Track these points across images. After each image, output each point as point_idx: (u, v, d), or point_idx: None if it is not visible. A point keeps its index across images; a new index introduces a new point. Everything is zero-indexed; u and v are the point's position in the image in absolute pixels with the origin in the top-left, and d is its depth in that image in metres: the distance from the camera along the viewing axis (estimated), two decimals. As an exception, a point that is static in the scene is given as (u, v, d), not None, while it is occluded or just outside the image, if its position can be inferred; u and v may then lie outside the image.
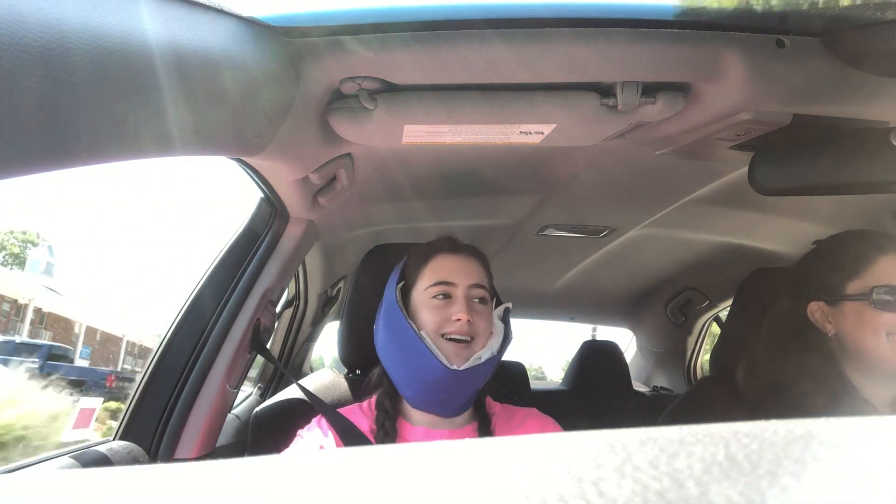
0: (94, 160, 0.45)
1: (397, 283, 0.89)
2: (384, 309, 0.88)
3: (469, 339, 0.83)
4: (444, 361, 0.79)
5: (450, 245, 0.92)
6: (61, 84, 0.37)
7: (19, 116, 0.35)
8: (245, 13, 0.60)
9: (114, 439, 0.91)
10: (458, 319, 0.82)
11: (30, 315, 14.34)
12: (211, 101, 0.55)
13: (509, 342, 0.87)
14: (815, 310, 0.95)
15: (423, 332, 0.83)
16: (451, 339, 0.82)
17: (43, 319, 15.22)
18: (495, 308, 0.92)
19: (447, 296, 0.85)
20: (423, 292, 0.86)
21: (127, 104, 0.45)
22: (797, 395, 0.91)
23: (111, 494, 0.16)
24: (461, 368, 0.80)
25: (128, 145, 0.48)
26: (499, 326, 0.88)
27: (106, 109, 0.42)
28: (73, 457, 0.79)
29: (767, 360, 1.00)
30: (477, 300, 0.86)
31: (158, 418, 0.94)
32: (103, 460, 0.81)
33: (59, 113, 0.38)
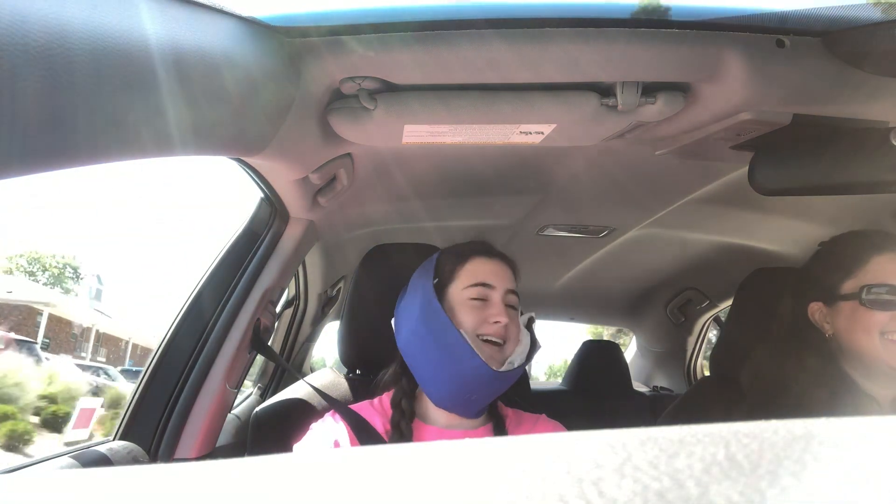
0: (94, 160, 0.45)
1: (433, 280, 0.88)
2: (421, 306, 0.86)
3: (502, 342, 0.84)
4: (487, 363, 0.81)
5: (487, 249, 0.93)
6: (62, 84, 0.37)
7: (20, 116, 0.35)
8: (245, 13, 0.60)
9: (114, 439, 0.91)
10: (497, 322, 0.83)
11: (92, 337, 16.82)
12: (211, 101, 0.55)
13: (537, 350, 0.89)
14: (815, 310, 0.96)
15: (463, 332, 0.83)
16: (486, 341, 0.83)
17: (100, 339, 17.61)
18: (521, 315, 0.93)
19: (484, 298, 0.86)
20: (460, 292, 0.86)
21: (127, 104, 0.45)
22: (799, 394, 0.92)
23: (111, 494, 0.16)
24: (500, 370, 0.81)
25: (128, 145, 0.48)
26: (526, 334, 0.89)
27: (106, 110, 0.42)
28: (73, 457, 0.79)
29: (770, 360, 1.01)
30: (510, 306, 0.87)
31: (158, 418, 0.94)
32: (103, 460, 0.81)
33: (60, 113, 0.38)
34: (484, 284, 0.86)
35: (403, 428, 0.84)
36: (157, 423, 0.94)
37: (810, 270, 1.01)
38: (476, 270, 0.88)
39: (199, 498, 0.15)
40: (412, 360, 0.86)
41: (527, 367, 0.92)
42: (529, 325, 0.91)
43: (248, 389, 1.66)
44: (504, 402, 0.96)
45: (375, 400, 0.91)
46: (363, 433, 0.83)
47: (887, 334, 0.87)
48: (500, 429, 0.88)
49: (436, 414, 0.86)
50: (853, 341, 0.90)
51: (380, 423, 0.86)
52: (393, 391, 0.90)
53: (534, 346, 0.88)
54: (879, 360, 0.88)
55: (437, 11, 0.66)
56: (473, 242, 0.94)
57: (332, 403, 0.90)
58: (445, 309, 0.85)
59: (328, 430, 0.84)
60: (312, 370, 2.00)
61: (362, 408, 0.89)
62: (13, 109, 0.35)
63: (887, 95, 0.74)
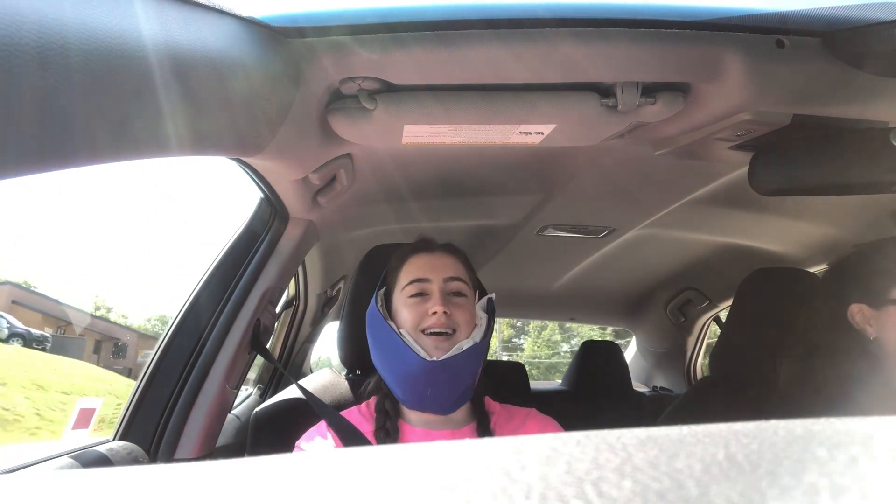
0: (93, 161, 0.45)
1: (379, 289, 0.92)
2: (367, 316, 0.90)
3: (449, 331, 0.83)
4: (422, 354, 0.80)
5: (423, 245, 0.93)
6: (59, 85, 0.37)
7: (20, 117, 0.35)
8: (245, 13, 0.60)
9: (114, 439, 0.91)
10: (434, 313, 0.83)
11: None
12: (211, 102, 0.55)
13: (492, 331, 0.87)
14: (857, 312, 0.94)
15: (402, 330, 0.84)
16: (431, 334, 0.83)
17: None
18: (479, 300, 0.92)
19: (423, 293, 0.86)
20: (400, 293, 0.88)
21: (127, 105, 0.45)
22: (837, 396, 0.90)
23: (111, 495, 0.16)
24: (440, 359, 0.80)
25: (127, 146, 0.48)
26: (483, 317, 0.88)
27: (105, 110, 0.42)
28: (72, 457, 0.79)
29: (809, 361, 0.99)
30: (454, 293, 0.87)
31: (158, 418, 0.94)
32: (103, 460, 0.81)
33: (59, 114, 0.38)
34: (419, 280, 0.87)
35: (389, 428, 0.84)
36: (156, 423, 0.94)
37: (851, 272, 0.99)
38: (412, 268, 0.89)
39: (199, 498, 0.15)
40: (377, 368, 0.90)
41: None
42: (490, 306, 0.90)
43: (249, 389, 1.66)
44: (497, 400, 0.95)
45: (363, 405, 0.92)
46: (352, 440, 0.84)
47: None
48: (484, 426, 0.87)
49: (416, 416, 0.87)
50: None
51: (367, 429, 0.86)
52: (378, 397, 0.90)
53: (489, 327, 0.87)
54: None
55: (438, 12, 0.66)
56: (413, 242, 0.95)
57: (322, 411, 0.89)
58: (392, 314, 0.88)
59: (315, 448, 0.84)
60: (312, 370, 2.00)
61: (350, 414, 0.89)
62: (12, 110, 0.35)
63: (887, 96, 0.74)
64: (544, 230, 1.53)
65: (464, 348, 0.82)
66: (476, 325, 0.86)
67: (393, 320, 0.86)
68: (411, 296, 0.86)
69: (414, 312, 0.85)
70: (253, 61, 0.60)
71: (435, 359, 0.80)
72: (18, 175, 0.38)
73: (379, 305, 0.88)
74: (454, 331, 0.83)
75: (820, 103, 0.77)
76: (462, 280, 0.88)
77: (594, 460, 0.15)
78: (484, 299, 0.90)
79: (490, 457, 0.16)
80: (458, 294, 0.87)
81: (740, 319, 1.20)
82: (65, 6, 0.38)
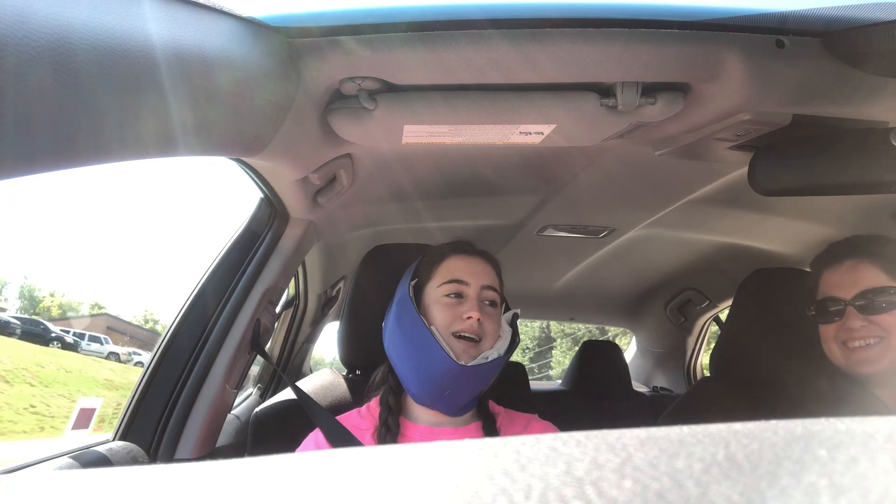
0: (95, 160, 0.45)
1: (410, 281, 0.91)
2: (396, 304, 0.89)
3: (478, 338, 0.84)
4: (453, 357, 0.81)
5: (465, 247, 0.94)
6: (64, 84, 0.37)
7: (22, 116, 0.35)
8: (245, 13, 0.60)
9: (113, 439, 0.91)
10: (469, 318, 0.83)
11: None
12: (211, 102, 0.55)
13: (516, 346, 0.89)
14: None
15: (433, 328, 0.84)
16: (460, 337, 0.84)
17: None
18: (504, 313, 0.92)
19: (459, 295, 0.87)
20: (435, 290, 0.88)
21: (127, 104, 0.45)
22: (838, 395, 0.93)
23: (111, 495, 0.16)
24: (469, 365, 0.81)
25: (128, 146, 0.48)
26: (506, 330, 0.89)
27: (107, 110, 0.42)
28: (72, 457, 0.79)
29: (808, 361, 1.02)
30: (488, 302, 0.88)
31: (158, 418, 0.94)
32: (103, 460, 0.81)
33: (62, 113, 0.38)
34: (458, 281, 0.87)
35: (391, 424, 0.85)
36: (156, 423, 0.94)
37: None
38: (451, 268, 0.89)
39: (199, 498, 0.15)
40: (392, 358, 0.89)
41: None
42: (514, 322, 0.91)
43: (249, 389, 1.66)
44: (500, 402, 0.95)
45: (363, 407, 0.91)
46: (344, 446, 0.83)
47: (845, 343, 0.89)
48: (489, 426, 0.88)
49: (422, 412, 0.87)
50: (827, 354, 0.92)
51: (367, 428, 0.87)
52: (382, 390, 0.91)
53: (513, 342, 0.88)
54: (846, 369, 0.89)
55: (437, 11, 0.66)
56: (453, 242, 0.95)
57: (316, 415, 0.89)
58: (422, 307, 0.88)
59: None
60: (312, 371, 2.00)
61: (349, 418, 0.89)
62: (16, 110, 0.35)
63: (887, 95, 0.74)
64: (544, 230, 1.53)
65: (490, 358, 0.83)
66: (500, 336, 0.87)
67: (423, 316, 0.86)
68: (447, 295, 0.86)
69: (448, 313, 0.85)
70: (253, 61, 0.60)
71: (464, 363, 0.81)
72: (24, 174, 0.38)
73: (411, 297, 0.88)
74: (481, 338, 0.84)
75: (820, 103, 0.77)
76: (496, 290, 0.89)
77: (594, 460, 0.15)
78: (509, 314, 0.91)
79: (490, 457, 0.16)
80: (491, 304, 0.88)
81: (740, 319, 1.20)
82: (68, 6, 0.38)
